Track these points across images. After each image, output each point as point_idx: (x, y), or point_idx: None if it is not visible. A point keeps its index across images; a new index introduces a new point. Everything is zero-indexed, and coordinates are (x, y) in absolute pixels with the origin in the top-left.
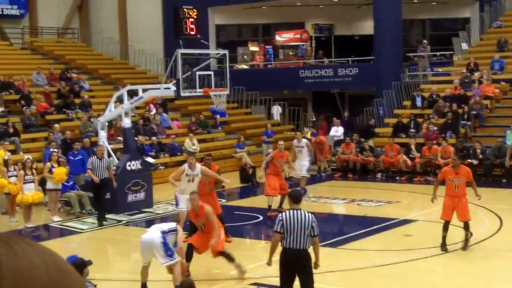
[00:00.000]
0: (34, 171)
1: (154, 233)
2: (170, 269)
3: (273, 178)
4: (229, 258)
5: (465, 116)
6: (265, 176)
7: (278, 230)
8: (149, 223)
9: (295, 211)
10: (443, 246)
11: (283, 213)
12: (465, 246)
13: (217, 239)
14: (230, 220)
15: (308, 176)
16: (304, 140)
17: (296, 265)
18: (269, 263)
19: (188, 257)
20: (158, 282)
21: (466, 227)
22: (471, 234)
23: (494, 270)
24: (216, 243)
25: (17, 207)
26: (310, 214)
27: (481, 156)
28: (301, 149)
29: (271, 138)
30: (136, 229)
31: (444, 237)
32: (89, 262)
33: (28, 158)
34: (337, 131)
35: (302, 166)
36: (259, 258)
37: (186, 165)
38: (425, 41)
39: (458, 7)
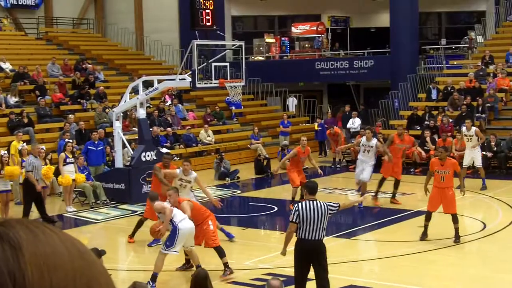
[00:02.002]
0: (47, 161)
1: (190, 221)
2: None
3: (295, 173)
4: (222, 254)
5: (480, 109)
6: (280, 170)
7: (294, 220)
8: None
9: (311, 202)
10: (424, 235)
11: (300, 204)
12: (457, 238)
13: (211, 234)
14: (245, 211)
15: (368, 182)
16: (474, 128)
17: (311, 256)
18: (283, 252)
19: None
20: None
21: (454, 219)
22: (484, 225)
23: (508, 261)
24: (211, 239)
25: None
26: (325, 204)
27: (495, 149)
28: (369, 149)
29: (288, 129)
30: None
31: (425, 226)
32: (103, 252)
33: (43, 148)
34: (353, 122)
35: (363, 170)
36: (274, 249)
37: (179, 170)
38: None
39: (473, 0)
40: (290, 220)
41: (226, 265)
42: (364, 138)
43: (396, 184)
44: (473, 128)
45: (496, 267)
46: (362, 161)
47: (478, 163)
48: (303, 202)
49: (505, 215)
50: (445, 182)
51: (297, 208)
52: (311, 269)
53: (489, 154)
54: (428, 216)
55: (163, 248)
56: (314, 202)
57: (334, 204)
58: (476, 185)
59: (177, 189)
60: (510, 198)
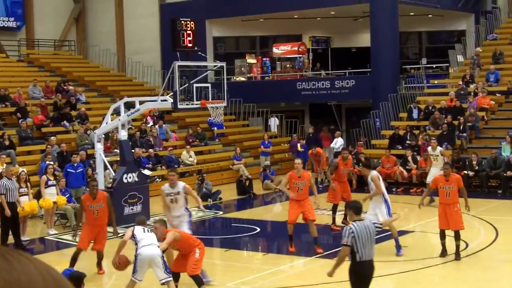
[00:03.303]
0: (28, 184)
1: (155, 248)
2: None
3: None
4: (200, 283)
5: (461, 128)
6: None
7: (349, 244)
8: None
9: (362, 222)
10: (443, 253)
11: (353, 226)
12: (457, 255)
13: (193, 262)
14: (227, 232)
15: None
16: (439, 148)
17: (371, 277)
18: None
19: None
20: None
21: (457, 236)
22: (467, 245)
23: (490, 280)
24: (191, 266)
25: None
26: (371, 223)
27: (477, 168)
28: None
29: (269, 149)
30: (132, 242)
31: (443, 244)
32: (84, 275)
33: (23, 171)
34: (336, 142)
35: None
36: (257, 270)
37: (166, 185)
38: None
39: (454, 20)
40: (344, 243)
41: None
42: (430, 148)
43: (335, 208)
44: (439, 148)
45: (481, 286)
46: None
47: None
48: (355, 224)
49: (487, 234)
50: (451, 198)
51: (351, 230)
52: None
53: (471, 173)
54: (442, 234)
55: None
56: (364, 222)
57: (377, 223)
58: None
59: (164, 221)
60: (491, 217)
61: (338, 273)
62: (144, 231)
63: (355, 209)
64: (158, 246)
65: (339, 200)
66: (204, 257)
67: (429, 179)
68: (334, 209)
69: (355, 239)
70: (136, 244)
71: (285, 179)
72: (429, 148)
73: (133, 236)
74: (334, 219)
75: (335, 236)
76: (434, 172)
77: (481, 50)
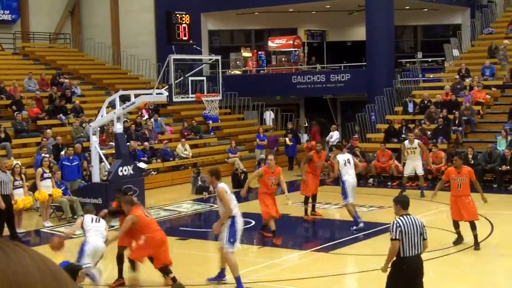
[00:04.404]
0: (23, 176)
1: (100, 240)
2: None
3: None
4: (133, 266)
5: (456, 122)
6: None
7: (398, 238)
8: None
9: (409, 217)
10: (458, 240)
11: (400, 220)
12: (476, 245)
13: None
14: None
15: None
16: (417, 141)
17: (413, 274)
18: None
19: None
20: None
21: (472, 226)
22: (462, 239)
23: (485, 274)
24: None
25: None
26: (418, 218)
27: (472, 162)
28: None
29: (264, 142)
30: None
31: (457, 233)
32: (80, 267)
33: (17, 164)
34: (331, 136)
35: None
36: (251, 263)
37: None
38: None
39: (449, 14)
40: (393, 238)
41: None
42: (407, 141)
43: (315, 197)
44: (416, 141)
45: (477, 280)
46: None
47: (420, 171)
48: (402, 218)
49: (482, 228)
50: (462, 190)
51: (398, 224)
52: None
53: None
54: (455, 224)
55: None
56: (410, 216)
57: (425, 232)
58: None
59: (132, 200)
60: (487, 211)
61: (331, 267)
62: (92, 221)
63: (402, 204)
64: (105, 241)
65: (311, 193)
66: (198, 250)
67: (406, 172)
68: (306, 201)
69: (402, 233)
70: (84, 233)
71: (256, 173)
72: (406, 142)
73: (82, 226)
74: (306, 210)
75: (332, 229)
76: (412, 165)
77: (508, 42)
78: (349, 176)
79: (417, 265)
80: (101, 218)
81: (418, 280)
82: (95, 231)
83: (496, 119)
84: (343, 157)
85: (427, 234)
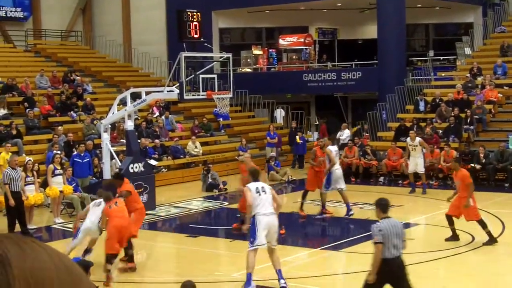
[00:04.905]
0: (35, 173)
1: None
2: None
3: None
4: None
5: (468, 120)
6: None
7: (381, 241)
8: (151, 225)
9: (389, 219)
10: (452, 238)
11: (381, 223)
12: (491, 240)
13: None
14: (233, 223)
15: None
16: (418, 139)
17: (395, 276)
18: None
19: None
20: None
21: (481, 225)
22: (473, 238)
23: (496, 274)
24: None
25: None
26: (398, 221)
27: (484, 161)
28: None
29: (274, 140)
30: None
31: (452, 230)
32: (91, 263)
33: (30, 160)
34: (341, 134)
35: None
36: (262, 261)
37: None
38: None
39: (461, 12)
40: (376, 241)
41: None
42: (409, 139)
43: (305, 194)
44: (417, 139)
45: (486, 280)
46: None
47: (421, 169)
48: (383, 221)
49: (493, 228)
50: (460, 192)
51: (380, 228)
52: None
53: (478, 166)
54: (449, 219)
55: None
56: (391, 219)
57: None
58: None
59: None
60: (498, 211)
61: (341, 265)
62: (94, 204)
63: (381, 207)
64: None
65: (315, 188)
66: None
67: (410, 169)
68: (304, 195)
69: (384, 236)
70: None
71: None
72: (408, 139)
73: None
74: (302, 204)
75: (342, 227)
76: (414, 162)
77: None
78: (336, 167)
79: (399, 267)
80: (101, 202)
81: (403, 281)
82: (93, 214)
83: (508, 118)
84: (334, 148)
85: (406, 236)
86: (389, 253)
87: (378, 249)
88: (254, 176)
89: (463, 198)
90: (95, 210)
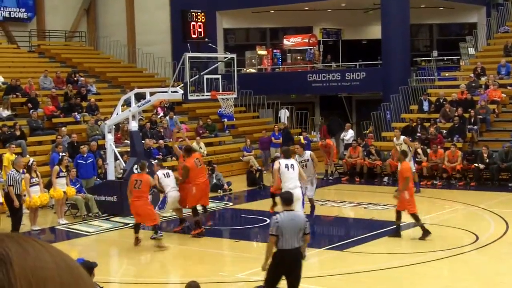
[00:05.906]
0: (38, 173)
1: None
2: None
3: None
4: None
5: (472, 120)
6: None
7: (274, 233)
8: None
9: (289, 212)
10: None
11: (279, 216)
12: (422, 236)
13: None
14: (237, 223)
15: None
16: (402, 137)
17: (289, 266)
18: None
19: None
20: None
21: (415, 218)
22: (477, 238)
23: (500, 274)
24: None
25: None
26: (302, 214)
27: (487, 160)
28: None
29: (279, 140)
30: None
31: (420, 226)
32: (95, 264)
33: (34, 161)
34: (345, 135)
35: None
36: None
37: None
38: None
39: (465, 12)
40: (270, 233)
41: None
42: (297, 156)
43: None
44: (402, 137)
45: (489, 280)
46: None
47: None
48: (282, 214)
49: (497, 227)
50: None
51: (277, 221)
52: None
53: (481, 166)
54: (398, 214)
55: None
56: (292, 212)
57: (308, 228)
58: (465, 196)
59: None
60: (502, 210)
61: (345, 265)
62: (164, 176)
63: (284, 200)
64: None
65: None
66: (213, 248)
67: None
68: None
69: (279, 229)
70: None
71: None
72: (394, 138)
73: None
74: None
75: (346, 227)
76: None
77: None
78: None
79: (294, 257)
80: (169, 172)
81: (296, 272)
82: (170, 184)
83: None
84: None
85: (309, 230)
86: (286, 244)
87: (270, 240)
88: (286, 155)
89: (402, 191)
90: (167, 181)
